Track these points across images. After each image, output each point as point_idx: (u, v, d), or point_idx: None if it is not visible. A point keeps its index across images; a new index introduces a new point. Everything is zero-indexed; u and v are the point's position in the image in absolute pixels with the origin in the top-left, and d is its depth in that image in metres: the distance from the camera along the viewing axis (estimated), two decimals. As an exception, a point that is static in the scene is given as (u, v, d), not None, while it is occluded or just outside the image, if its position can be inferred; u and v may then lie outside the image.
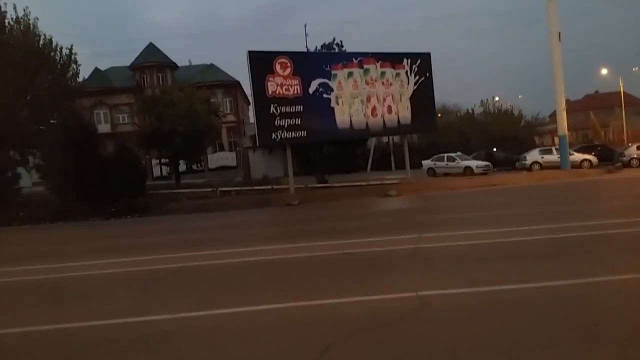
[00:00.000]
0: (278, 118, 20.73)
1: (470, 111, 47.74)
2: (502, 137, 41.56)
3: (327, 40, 25.85)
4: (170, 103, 26.24)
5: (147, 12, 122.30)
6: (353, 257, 7.69)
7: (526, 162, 27.88)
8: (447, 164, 29.15)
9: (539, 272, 5.82)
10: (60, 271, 8.21)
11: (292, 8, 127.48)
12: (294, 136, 21.22)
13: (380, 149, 43.16)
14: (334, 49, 25.26)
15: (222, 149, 45.79)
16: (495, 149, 34.06)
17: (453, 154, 29.83)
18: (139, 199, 20.53)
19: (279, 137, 20.93)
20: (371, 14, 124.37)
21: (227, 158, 43.88)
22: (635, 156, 26.35)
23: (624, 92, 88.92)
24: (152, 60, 46.61)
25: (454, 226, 10.23)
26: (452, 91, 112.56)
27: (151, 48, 47.55)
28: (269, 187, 23.69)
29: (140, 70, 46.84)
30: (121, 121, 44.83)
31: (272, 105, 20.63)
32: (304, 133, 21.41)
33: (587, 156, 27.05)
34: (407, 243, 8.29)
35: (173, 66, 47.75)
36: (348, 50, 25.42)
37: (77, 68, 23.87)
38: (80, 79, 24.32)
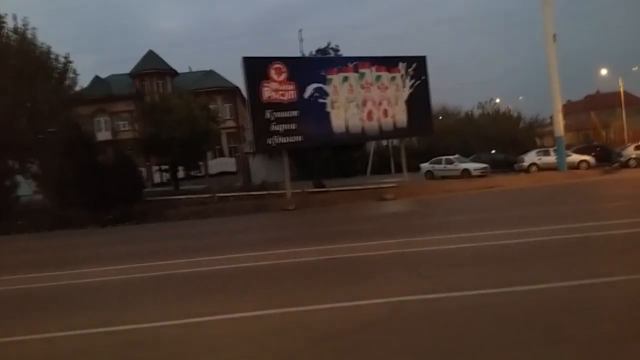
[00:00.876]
0: (274, 123, 20.83)
1: (469, 113, 47.62)
2: (501, 139, 41.46)
3: (324, 45, 25.77)
4: (168, 109, 26.37)
5: (151, 19, 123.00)
6: (341, 262, 7.76)
7: (524, 163, 27.84)
8: (445, 167, 29.14)
9: (517, 276, 5.85)
10: (44, 280, 8.27)
11: (294, 14, 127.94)
12: (289, 141, 21.30)
13: (379, 153, 43.12)
14: (330, 53, 25.34)
15: (222, 154, 45.90)
16: (493, 151, 33.98)
17: (451, 157, 29.81)
18: (136, 206, 20.62)
19: (274, 142, 21.02)
20: (372, 18, 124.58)
21: (227, 164, 43.93)
22: (633, 156, 26.27)
23: (625, 92, 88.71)
24: (152, 67, 46.83)
25: (443, 230, 10.26)
26: (454, 93, 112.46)
27: (151, 55, 47.78)
28: (266, 192, 23.72)
29: (140, 78, 47.06)
30: (122, 128, 44.95)
31: (267, 111, 20.73)
32: (299, 138, 21.48)
33: (584, 157, 26.98)
34: (395, 247, 8.35)
35: (173, 73, 47.97)
36: (344, 55, 25.47)
37: (75, 76, 24.06)
38: (78, 88, 24.46)
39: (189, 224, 17.93)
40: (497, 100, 72.04)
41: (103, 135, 45.63)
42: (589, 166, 26.50)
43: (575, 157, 26.99)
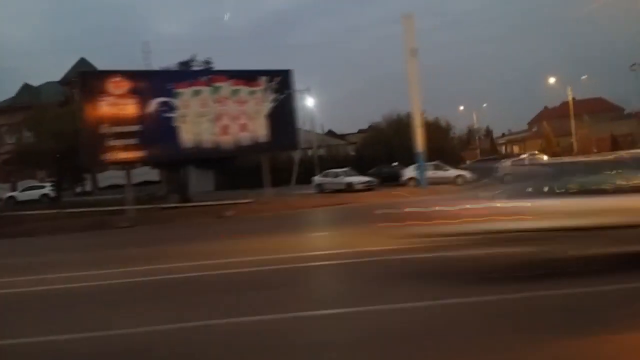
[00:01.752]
0: (111, 138, 20.44)
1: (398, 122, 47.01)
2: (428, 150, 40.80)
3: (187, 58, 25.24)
4: (38, 121, 26.08)
5: (152, 23, 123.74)
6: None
7: (404, 178, 27.45)
8: (332, 180, 28.81)
9: None
10: None
11: (294, 18, 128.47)
12: (129, 157, 20.98)
13: (305, 163, 42.67)
14: (193, 66, 24.91)
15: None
16: (395, 163, 33.45)
17: (339, 170, 29.49)
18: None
19: (111, 157, 20.68)
20: (369, 24, 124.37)
21: (150, 173, 43.45)
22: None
23: (601, 99, 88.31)
24: (81, 75, 46.53)
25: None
26: (428, 102, 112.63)
27: (82, 62, 47.47)
28: (117, 208, 23.22)
29: (70, 85, 46.74)
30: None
31: (103, 126, 20.35)
32: (141, 153, 21.17)
33: (461, 172, 26.65)
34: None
35: (103, 81, 47.68)
36: (217, 68, 25.02)
37: None
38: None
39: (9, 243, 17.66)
40: (461, 108, 71.60)
41: (31, 143, 45.35)
42: (465, 181, 26.10)
43: (452, 172, 26.64)
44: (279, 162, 44.66)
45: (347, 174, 28.81)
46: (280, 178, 42.45)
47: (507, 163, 26.53)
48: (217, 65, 24.89)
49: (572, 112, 62.34)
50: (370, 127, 51.87)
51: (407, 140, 41.99)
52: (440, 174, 26.29)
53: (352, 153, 49.12)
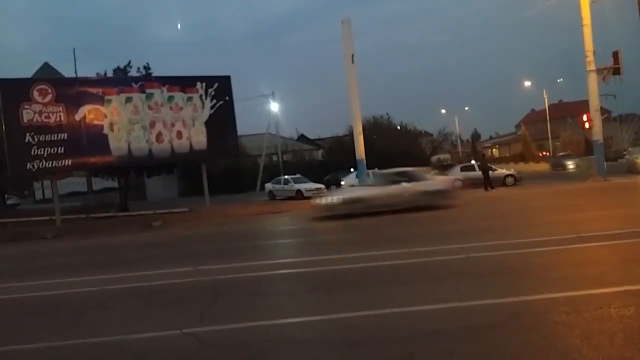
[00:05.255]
0: (35, 147, 19.90)
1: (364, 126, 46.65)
2: (393, 154, 40.34)
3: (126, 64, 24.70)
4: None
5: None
6: None
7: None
8: (282, 187, 28.29)
9: None
10: None
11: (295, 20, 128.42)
12: (55, 165, 20.40)
13: (270, 168, 42.15)
14: (129, 72, 24.39)
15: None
16: (352, 170, 32.93)
17: (289, 177, 28.96)
18: None
19: (35, 166, 20.10)
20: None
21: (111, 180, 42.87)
22: (459, 177, 25.26)
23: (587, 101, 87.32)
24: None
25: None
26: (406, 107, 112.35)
27: (46, 67, 46.85)
28: (47, 218, 22.65)
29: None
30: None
31: (28, 134, 19.80)
32: (67, 162, 20.60)
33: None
34: None
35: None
36: (155, 74, 24.52)
37: None
38: None
39: None
40: (443, 111, 70.81)
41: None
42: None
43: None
44: (245, 167, 44.38)
45: (296, 181, 28.28)
46: (246, 184, 42.27)
47: (456, 169, 26.07)
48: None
49: (548, 116, 62.13)
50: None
51: (371, 145, 41.79)
52: (385, 180, 25.77)
53: (320, 158, 48.74)
